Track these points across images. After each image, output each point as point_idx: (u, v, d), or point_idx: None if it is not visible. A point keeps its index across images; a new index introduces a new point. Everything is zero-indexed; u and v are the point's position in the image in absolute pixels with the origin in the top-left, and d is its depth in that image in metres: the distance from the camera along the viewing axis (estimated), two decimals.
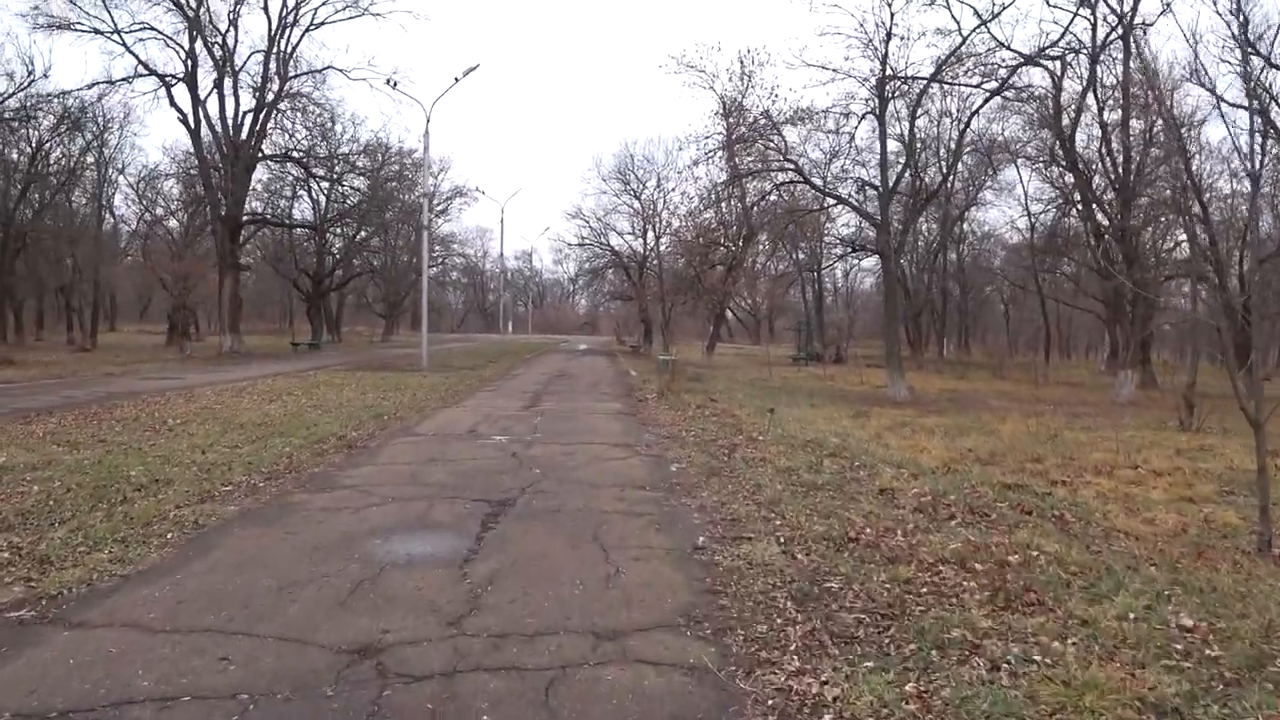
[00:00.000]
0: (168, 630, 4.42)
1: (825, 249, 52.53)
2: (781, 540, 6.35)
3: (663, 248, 45.52)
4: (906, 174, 28.65)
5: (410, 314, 78.82)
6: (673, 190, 55.48)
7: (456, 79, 29.05)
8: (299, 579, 5.28)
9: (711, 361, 38.73)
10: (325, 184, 46.14)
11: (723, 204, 36.83)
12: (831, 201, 30.51)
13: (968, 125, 26.43)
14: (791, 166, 25.57)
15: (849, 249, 37.89)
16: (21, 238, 34.58)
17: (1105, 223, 30.07)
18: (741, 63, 40.35)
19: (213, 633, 4.38)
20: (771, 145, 26.03)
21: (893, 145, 28.81)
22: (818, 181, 26.74)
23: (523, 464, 9.72)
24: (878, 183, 27.13)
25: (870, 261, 58.51)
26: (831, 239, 50.68)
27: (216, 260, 37.67)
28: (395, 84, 31.42)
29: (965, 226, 52.55)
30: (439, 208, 67.46)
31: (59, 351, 36.38)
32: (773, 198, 31.31)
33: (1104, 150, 31.10)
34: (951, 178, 34.01)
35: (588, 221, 51.73)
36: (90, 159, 42.78)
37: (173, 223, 51.86)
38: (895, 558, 5.91)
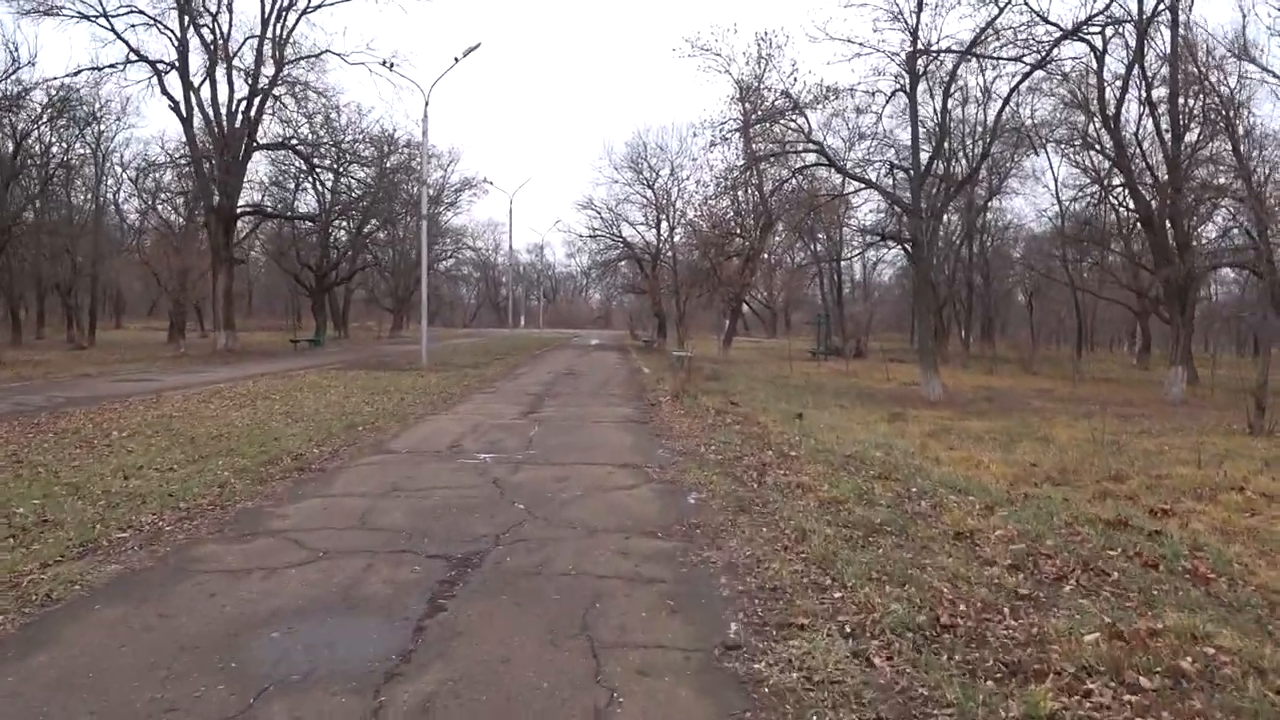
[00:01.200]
0: None
1: (848, 239, 50.78)
2: (848, 629, 4.48)
3: (677, 239, 43.75)
4: (936, 158, 26.58)
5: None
6: (687, 179, 53.77)
7: (456, 59, 27.32)
8: (128, 717, 3.49)
9: (728, 356, 36.89)
10: (329, 175, 44.46)
11: (739, 191, 35.06)
12: (858, 186, 28.67)
13: (1006, 102, 24.33)
14: (815, 148, 23.64)
15: (879, 238, 35.75)
16: (6, 231, 32.81)
17: (1151, 208, 28.03)
18: (759, 45, 38.48)
19: None
20: (792, 126, 24.11)
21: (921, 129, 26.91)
22: (843, 165, 24.75)
23: (505, 495, 7.87)
24: (906, 166, 25.32)
25: (891, 253, 56.71)
26: (851, 229, 48.95)
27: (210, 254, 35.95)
28: (392, 65, 29.84)
29: (987, 216, 50.54)
30: (448, 200, 65.95)
31: (56, 350, 34.97)
32: (791, 184, 29.33)
33: (1141, 131, 29.20)
34: (987, 160, 31.83)
35: (599, 212, 50.31)
36: (82, 149, 41.41)
37: (173, 216, 50.29)
38: (1017, 664, 4.05)
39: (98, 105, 37.40)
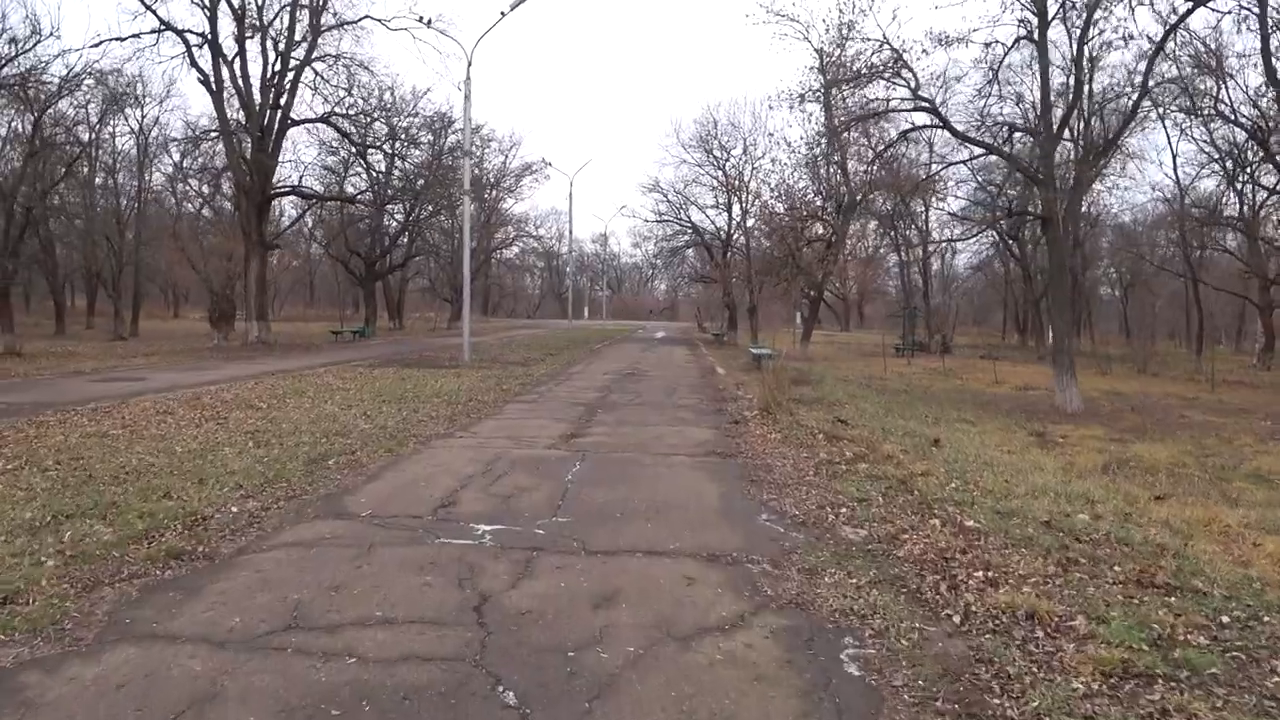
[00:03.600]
0: None
1: (942, 225, 46.69)
2: None
3: (749, 222, 39.83)
4: (1070, 118, 22.31)
5: (481, 299, 74.15)
6: (761, 157, 49.83)
7: (503, 13, 23.94)
8: None
9: (807, 353, 32.91)
10: (378, 157, 41.54)
11: (821, 166, 31.23)
12: (964, 157, 24.62)
13: (1159, 47, 19.84)
14: (927, 105, 19.53)
15: (1005, 215, 31.35)
16: (27, 214, 30.00)
17: None
18: (840, 10, 34.29)
19: None
20: (898, 81, 20.05)
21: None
22: (957, 127, 20.60)
23: (488, 649, 4.07)
24: (1031, 128, 21.19)
25: (975, 243, 52.05)
26: (942, 212, 44.81)
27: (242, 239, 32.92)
28: (430, 23, 26.50)
29: (1094, 197, 45.46)
30: (507, 186, 63.04)
31: (95, 341, 33.03)
32: (884, 158, 25.45)
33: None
34: (1135, 118, 27.02)
35: (666, 195, 46.94)
36: (118, 128, 39.28)
37: (219, 200, 47.99)
38: None
39: (140, 88, 35.08)
